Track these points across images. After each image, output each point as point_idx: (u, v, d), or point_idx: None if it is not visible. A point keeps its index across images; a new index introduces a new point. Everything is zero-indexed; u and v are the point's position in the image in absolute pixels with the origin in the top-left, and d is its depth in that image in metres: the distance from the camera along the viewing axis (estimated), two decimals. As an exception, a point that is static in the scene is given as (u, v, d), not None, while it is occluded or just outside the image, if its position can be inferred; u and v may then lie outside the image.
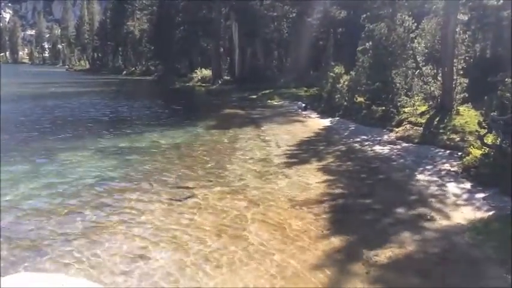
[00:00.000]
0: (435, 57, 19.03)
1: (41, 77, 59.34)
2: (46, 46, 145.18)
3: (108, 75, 69.31)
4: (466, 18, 20.25)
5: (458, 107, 15.61)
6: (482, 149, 10.09)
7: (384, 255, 6.16)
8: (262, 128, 17.94)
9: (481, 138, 10.04)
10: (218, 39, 46.61)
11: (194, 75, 49.22)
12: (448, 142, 12.91)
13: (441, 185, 9.48)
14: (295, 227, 7.18)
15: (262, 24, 39.06)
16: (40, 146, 13.56)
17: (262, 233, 6.93)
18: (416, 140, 13.93)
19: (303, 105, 24.25)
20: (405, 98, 18.30)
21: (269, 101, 28.63)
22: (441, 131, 13.83)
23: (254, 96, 31.36)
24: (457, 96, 15.89)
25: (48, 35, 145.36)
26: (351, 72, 21.41)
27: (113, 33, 78.28)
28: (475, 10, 20.64)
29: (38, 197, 8.61)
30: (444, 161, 11.49)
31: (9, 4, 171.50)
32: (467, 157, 10.47)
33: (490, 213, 7.68)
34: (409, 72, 18.86)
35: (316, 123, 19.48)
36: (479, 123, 10.83)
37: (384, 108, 18.04)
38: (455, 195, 8.81)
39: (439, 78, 16.71)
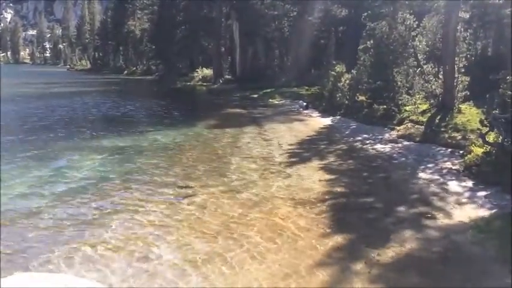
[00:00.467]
0: (436, 55, 19.00)
1: (42, 77, 59.35)
2: (47, 46, 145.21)
3: (109, 74, 69.34)
4: (468, 16, 20.22)
5: (459, 105, 15.59)
6: (484, 147, 10.08)
7: (385, 254, 6.15)
8: (264, 127, 17.94)
9: (482, 136, 10.02)
10: (219, 39, 46.60)
11: (195, 74, 49.22)
12: (449, 140, 12.89)
13: (443, 184, 9.47)
14: (297, 226, 7.18)
15: (263, 23, 39.04)
16: (42, 145, 13.57)
17: (264, 232, 6.93)
18: (417, 139, 13.92)
19: (304, 104, 24.25)
20: (406, 96, 18.30)
21: (270, 100, 28.64)
22: (442, 129, 13.82)
23: (255, 96, 31.36)
24: (459, 95, 15.87)
25: (49, 35, 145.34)
26: (352, 70, 21.41)
27: (113, 33, 78.23)
28: (476, 8, 20.63)
29: (34, 197, 8.62)
30: (446, 159, 11.48)
31: (11, 4, 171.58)
32: (468, 155, 10.46)
33: (492, 211, 7.68)
34: (411, 70, 18.86)
35: (317, 122, 19.47)
36: (480, 122, 10.82)
37: (385, 106, 18.03)
38: (457, 193, 8.81)
39: (441, 77, 16.70)
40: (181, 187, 9.33)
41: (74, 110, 24.30)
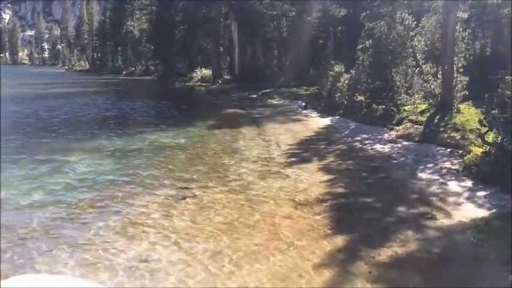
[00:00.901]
0: (435, 55, 19.05)
1: (41, 78, 59.31)
2: (46, 47, 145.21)
3: (108, 75, 69.36)
4: (466, 16, 20.26)
5: (458, 105, 15.62)
6: (483, 147, 10.09)
7: (385, 254, 6.16)
8: (263, 128, 17.94)
9: (481, 136, 10.03)
10: (218, 39, 46.63)
11: (194, 74, 49.22)
12: (448, 140, 12.90)
13: (442, 183, 9.48)
14: (297, 226, 7.18)
15: (261, 23, 39.07)
16: (38, 147, 13.57)
17: (263, 233, 6.93)
18: (416, 139, 13.93)
19: (303, 104, 24.26)
20: (405, 96, 18.32)
21: (269, 100, 28.64)
22: (442, 129, 13.84)
23: (254, 96, 31.36)
24: (458, 94, 15.90)
25: (47, 36, 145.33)
26: (351, 70, 21.41)
27: (112, 33, 78.28)
28: (475, 8, 20.65)
29: (37, 196, 8.61)
30: (445, 159, 11.49)
31: (9, 5, 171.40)
32: (468, 155, 10.47)
33: (492, 211, 7.69)
34: (409, 70, 18.88)
35: (316, 122, 19.48)
36: (480, 121, 10.82)
37: (384, 106, 18.04)
38: (457, 193, 8.81)
39: (439, 76, 16.73)
40: (180, 188, 9.31)
41: (74, 111, 24.24)
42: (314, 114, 21.92)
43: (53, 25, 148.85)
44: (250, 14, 38.41)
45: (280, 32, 40.21)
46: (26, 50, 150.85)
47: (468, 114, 14.45)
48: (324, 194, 8.98)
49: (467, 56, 17.56)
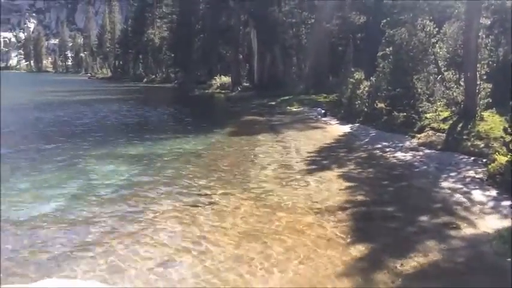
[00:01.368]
0: (457, 62, 18.74)
1: (65, 85, 60.75)
2: (69, 55, 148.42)
3: (129, 82, 70.51)
4: (489, 22, 19.91)
5: (482, 113, 15.32)
6: (508, 156, 9.88)
7: (408, 264, 6.10)
8: (282, 135, 17.98)
9: (506, 144, 9.84)
10: (237, 46, 46.95)
11: (213, 82, 49.60)
12: (472, 148, 12.69)
13: (466, 193, 9.33)
14: (317, 235, 7.17)
15: (280, 30, 39.16)
16: (63, 152, 13.91)
17: (283, 241, 6.94)
18: (439, 147, 13.74)
19: (323, 111, 24.18)
20: (427, 103, 18.07)
21: (288, 108, 28.66)
22: (465, 137, 13.61)
23: (273, 103, 31.44)
24: (481, 102, 15.61)
25: (71, 44, 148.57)
26: (371, 77, 21.27)
27: (133, 42, 79.62)
28: (498, 14, 20.28)
29: (59, 201, 8.82)
30: (468, 167, 11.30)
31: (34, 14, 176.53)
32: (492, 164, 10.27)
33: (517, 221, 7.53)
34: (431, 77, 18.64)
35: (336, 129, 19.41)
36: (504, 129, 10.60)
37: (405, 114, 17.84)
38: (481, 203, 8.67)
39: (462, 84, 16.46)
40: (202, 194, 9.41)
41: (100, 117, 24.84)
42: (334, 121, 21.84)
43: (76, 33, 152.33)
44: (269, 22, 38.59)
45: (299, 39, 40.21)
46: (50, 58, 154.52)
47: (492, 122, 14.19)
48: (345, 202, 8.94)
49: (490, 62, 17.22)
